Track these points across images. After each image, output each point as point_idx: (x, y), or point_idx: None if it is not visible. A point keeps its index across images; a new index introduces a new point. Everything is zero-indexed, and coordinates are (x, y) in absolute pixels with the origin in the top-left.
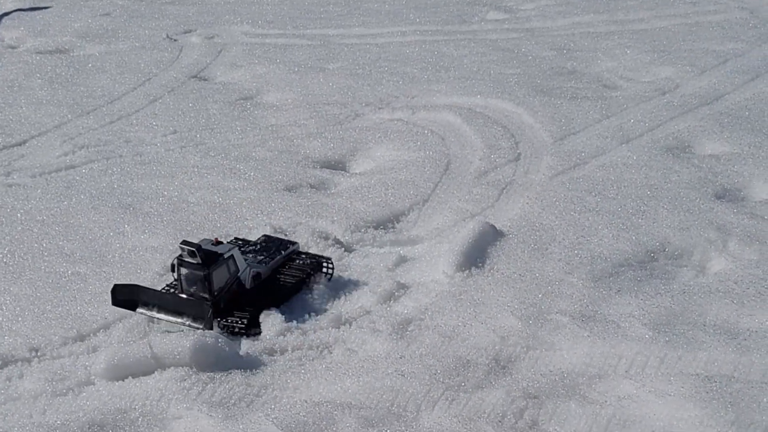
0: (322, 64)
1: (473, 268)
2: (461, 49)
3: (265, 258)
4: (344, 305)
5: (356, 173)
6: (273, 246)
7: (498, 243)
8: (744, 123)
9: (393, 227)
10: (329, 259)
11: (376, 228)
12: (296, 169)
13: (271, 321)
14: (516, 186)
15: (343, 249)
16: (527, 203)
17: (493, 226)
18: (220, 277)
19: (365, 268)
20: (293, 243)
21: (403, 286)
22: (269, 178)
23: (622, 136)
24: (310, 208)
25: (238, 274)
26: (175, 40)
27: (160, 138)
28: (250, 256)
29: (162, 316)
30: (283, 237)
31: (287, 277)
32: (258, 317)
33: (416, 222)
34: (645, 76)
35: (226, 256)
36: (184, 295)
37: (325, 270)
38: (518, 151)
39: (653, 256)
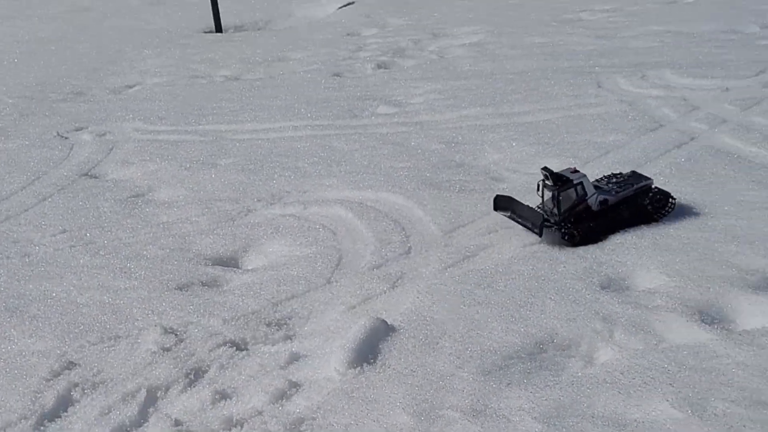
0: (214, 159)
1: (365, 365)
2: (352, 144)
3: (616, 187)
4: (235, 406)
5: (248, 270)
6: (632, 180)
7: (389, 338)
8: None
9: (285, 324)
10: (674, 198)
11: (268, 325)
12: (188, 267)
13: None
14: (407, 280)
15: (234, 348)
16: (418, 297)
17: (384, 322)
18: (567, 198)
19: (258, 366)
20: (647, 179)
21: (295, 385)
22: (160, 276)
23: (509, 228)
24: (202, 307)
25: (586, 198)
26: (65, 138)
27: (48, 238)
28: (609, 185)
29: (517, 218)
30: (643, 174)
31: (632, 207)
32: (591, 232)
33: (308, 318)
34: (530, 168)
35: (575, 181)
36: (538, 209)
37: (668, 207)
38: (409, 245)
39: (542, 348)
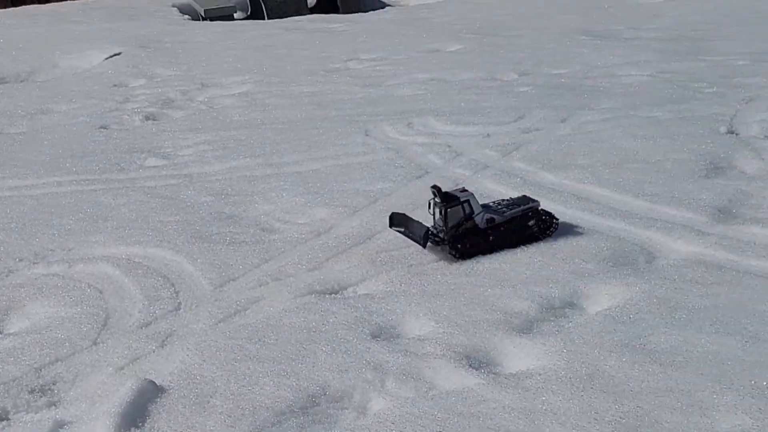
0: None
1: (133, 429)
2: (119, 198)
3: (504, 209)
4: None
5: (9, 334)
6: (520, 202)
7: (158, 400)
8: (395, 261)
9: (49, 390)
10: (557, 219)
11: (30, 392)
12: None
13: None
14: (176, 338)
15: None
16: (188, 355)
17: (152, 382)
18: (454, 214)
19: None
20: (534, 201)
21: None
22: None
23: (280, 280)
24: None
25: (473, 216)
26: None
27: None
28: (499, 207)
29: (405, 231)
30: (531, 197)
31: (518, 227)
32: (477, 246)
33: (74, 383)
34: (301, 218)
35: (462, 199)
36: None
37: (552, 228)
38: (179, 301)
39: (315, 401)
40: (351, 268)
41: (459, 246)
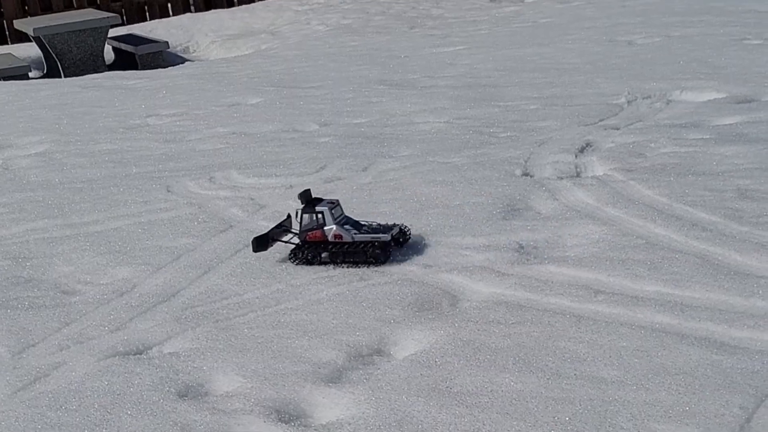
0: None
1: None
2: None
3: (361, 232)
4: None
5: None
6: (385, 230)
7: None
8: (201, 317)
9: None
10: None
11: None
12: None
13: None
14: None
15: None
16: None
17: None
18: (308, 220)
19: None
20: (401, 233)
21: None
22: None
23: (82, 343)
24: None
25: (323, 227)
26: None
27: None
28: (368, 227)
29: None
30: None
31: (360, 250)
32: (315, 256)
33: None
34: (103, 278)
35: (318, 209)
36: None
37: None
38: None
39: None
40: (155, 326)
41: (296, 252)
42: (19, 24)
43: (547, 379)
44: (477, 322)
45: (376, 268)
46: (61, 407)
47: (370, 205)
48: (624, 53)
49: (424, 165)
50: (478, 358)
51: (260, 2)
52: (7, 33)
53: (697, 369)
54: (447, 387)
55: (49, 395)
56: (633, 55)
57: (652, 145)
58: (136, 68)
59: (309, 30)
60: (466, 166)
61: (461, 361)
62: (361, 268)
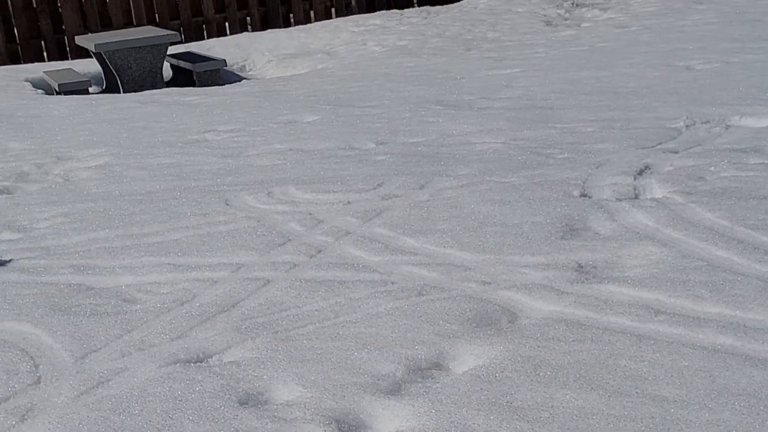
0: None
1: None
2: None
3: None
4: None
5: None
6: None
7: None
8: (260, 328)
9: None
10: None
11: None
12: None
13: None
14: (37, 411)
15: None
16: (50, 429)
17: None
18: None
19: None
20: None
21: None
22: None
23: (144, 350)
24: None
25: None
26: None
27: None
28: None
29: None
30: None
31: None
32: None
33: None
34: (163, 287)
35: None
36: None
37: None
38: (38, 374)
39: None
40: (216, 336)
41: None
42: (81, 40)
43: (609, 396)
44: (536, 338)
45: (434, 284)
46: (124, 411)
47: (428, 222)
48: (682, 78)
49: (481, 184)
50: (538, 374)
51: (317, 23)
52: (67, 48)
53: (760, 390)
54: (507, 402)
55: (112, 399)
56: (691, 80)
57: (712, 168)
58: (193, 85)
59: (365, 51)
60: (523, 186)
61: (521, 377)
62: (418, 284)
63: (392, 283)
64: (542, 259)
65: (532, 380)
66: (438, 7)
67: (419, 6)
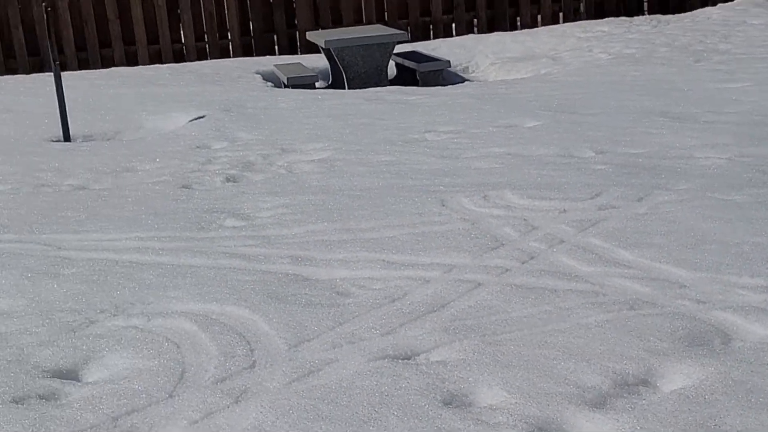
0: (57, 269)
1: None
2: (198, 256)
3: None
4: None
5: (89, 383)
6: None
7: None
8: (468, 330)
9: None
10: None
11: None
12: (25, 380)
13: None
14: (251, 394)
15: None
16: (261, 412)
17: None
18: None
19: None
20: None
21: None
22: None
23: (354, 343)
24: (38, 421)
25: None
26: None
27: None
28: None
29: None
30: None
31: None
32: None
33: None
34: (376, 283)
35: None
36: None
37: None
38: (253, 359)
39: None
40: (424, 334)
41: None
42: (311, 35)
43: None
44: (751, 363)
45: (646, 299)
46: (332, 401)
47: (644, 236)
48: None
49: (702, 200)
50: (750, 400)
51: (543, 27)
52: (298, 44)
53: None
54: (715, 425)
55: (322, 389)
56: None
57: None
58: (416, 84)
59: (590, 57)
60: (747, 204)
61: (731, 401)
62: (630, 298)
63: (604, 294)
64: (762, 281)
65: (743, 405)
66: (669, 16)
67: (650, 14)
